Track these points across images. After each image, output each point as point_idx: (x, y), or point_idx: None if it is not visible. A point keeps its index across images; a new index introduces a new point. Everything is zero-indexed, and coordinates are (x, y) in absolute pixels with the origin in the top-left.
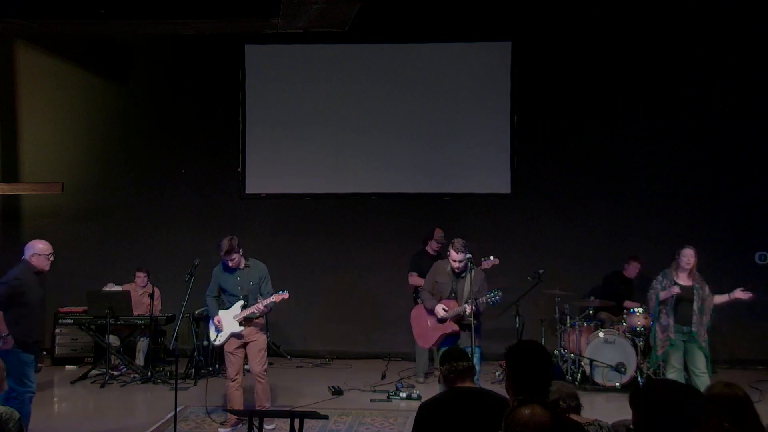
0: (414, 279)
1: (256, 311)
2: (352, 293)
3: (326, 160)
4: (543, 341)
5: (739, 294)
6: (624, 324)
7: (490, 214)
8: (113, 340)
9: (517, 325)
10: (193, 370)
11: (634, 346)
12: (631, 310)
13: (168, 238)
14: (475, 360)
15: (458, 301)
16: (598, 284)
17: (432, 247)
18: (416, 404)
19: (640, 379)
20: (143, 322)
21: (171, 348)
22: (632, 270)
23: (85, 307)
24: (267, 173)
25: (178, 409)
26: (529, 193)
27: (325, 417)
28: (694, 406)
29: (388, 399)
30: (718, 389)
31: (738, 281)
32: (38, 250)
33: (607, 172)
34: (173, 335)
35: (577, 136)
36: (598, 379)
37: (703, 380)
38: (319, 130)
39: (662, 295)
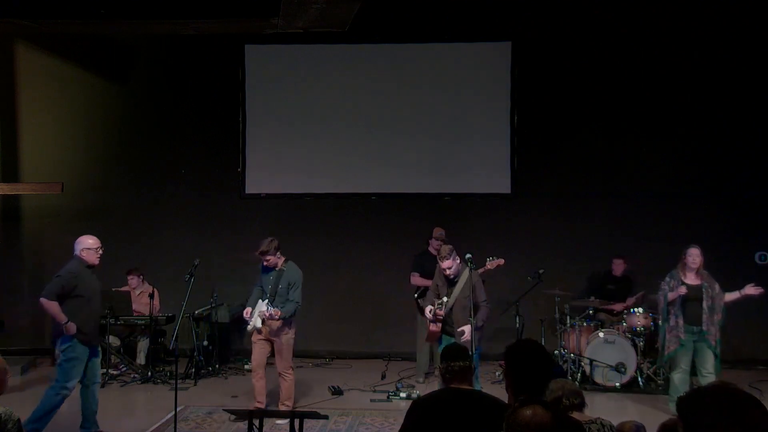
0: (416, 279)
1: (265, 317)
2: (352, 293)
3: (326, 160)
4: (543, 341)
5: (750, 290)
6: (624, 324)
7: (490, 214)
8: (113, 340)
9: (517, 325)
10: (193, 370)
11: (634, 346)
12: (631, 309)
13: (168, 238)
14: (474, 359)
15: (451, 309)
16: (587, 285)
17: (433, 246)
18: None
19: (640, 379)
20: (143, 322)
21: (171, 348)
22: (617, 268)
23: None
24: (267, 173)
25: (178, 409)
26: (529, 193)
27: (325, 417)
28: (750, 414)
29: (388, 399)
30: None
31: (738, 281)
32: (87, 245)
33: (607, 172)
34: (173, 335)
35: (577, 136)
36: (598, 379)
37: (709, 381)
38: (319, 130)
39: (670, 295)
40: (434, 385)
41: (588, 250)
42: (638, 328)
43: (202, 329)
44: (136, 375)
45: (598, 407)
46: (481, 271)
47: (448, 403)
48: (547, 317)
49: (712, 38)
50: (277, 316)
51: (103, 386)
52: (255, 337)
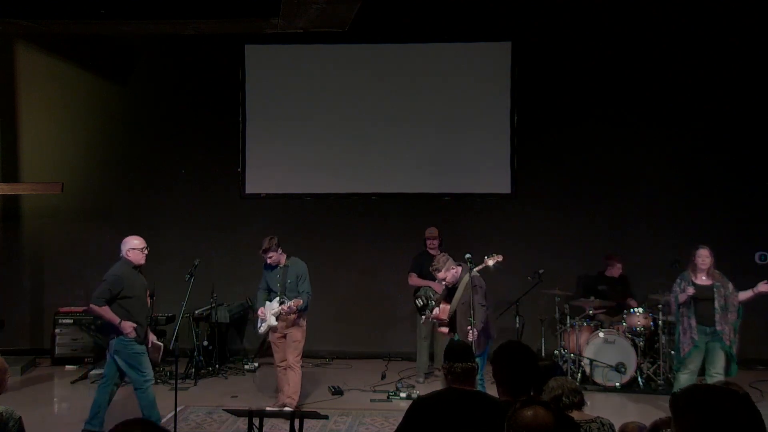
0: (414, 279)
1: (281, 312)
2: (351, 293)
3: (326, 160)
4: (543, 341)
5: (763, 287)
6: (624, 324)
7: (490, 214)
8: None
9: (517, 325)
10: (193, 370)
11: (634, 346)
12: (631, 309)
13: (168, 238)
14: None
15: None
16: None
17: (429, 246)
18: None
19: (640, 379)
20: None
21: (171, 348)
22: (610, 269)
23: (85, 307)
24: (267, 173)
25: (178, 409)
26: (529, 193)
27: (325, 417)
28: (741, 414)
29: (388, 399)
30: None
31: (738, 281)
32: (133, 245)
33: (608, 172)
34: (173, 335)
35: (577, 136)
36: (598, 379)
37: (717, 381)
38: (319, 130)
39: (680, 297)
40: (434, 385)
41: (588, 250)
42: (638, 328)
43: (202, 329)
44: None
45: (598, 407)
46: (478, 268)
47: (450, 403)
48: (547, 317)
49: (713, 38)
50: (296, 307)
51: None
52: (273, 338)
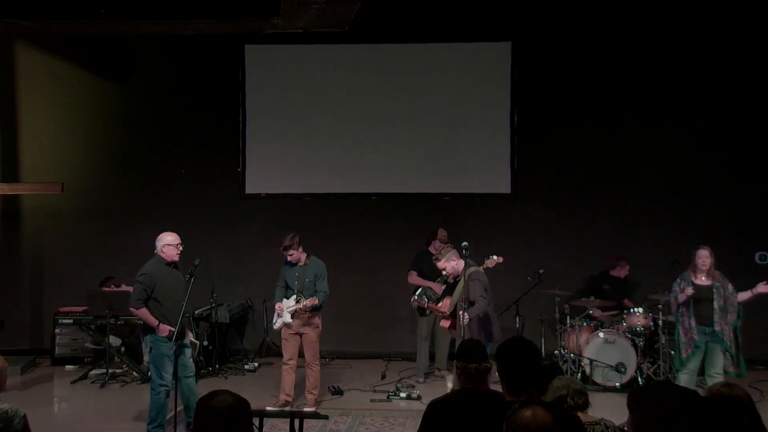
0: (413, 278)
1: (298, 310)
2: (351, 293)
3: (326, 160)
4: (543, 341)
5: (762, 288)
6: (624, 324)
7: (490, 214)
8: (114, 340)
9: (517, 325)
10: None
11: (634, 346)
12: (631, 309)
13: None
14: None
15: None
16: (584, 285)
17: (435, 247)
18: (416, 404)
19: (640, 379)
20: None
21: (171, 348)
22: (618, 269)
23: (85, 307)
24: (267, 173)
25: (178, 409)
26: (529, 193)
27: (325, 417)
28: (691, 411)
29: (388, 399)
30: (717, 389)
31: (738, 281)
32: (167, 241)
33: (608, 171)
34: (173, 335)
35: (577, 136)
36: (598, 379)
37: (717, 382)
38: (319, 130)
39: (680, 297)
40: (434, 385)
41: (588, 250)
42: (638, 328)
43: (203, 329)
44: (136, 375)
45: (598, 407)
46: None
47: (464, 404)
48: (547, 317)
49: (713, 38)
50: (311, 305)
51: (102, 386)
52: (285, 333)
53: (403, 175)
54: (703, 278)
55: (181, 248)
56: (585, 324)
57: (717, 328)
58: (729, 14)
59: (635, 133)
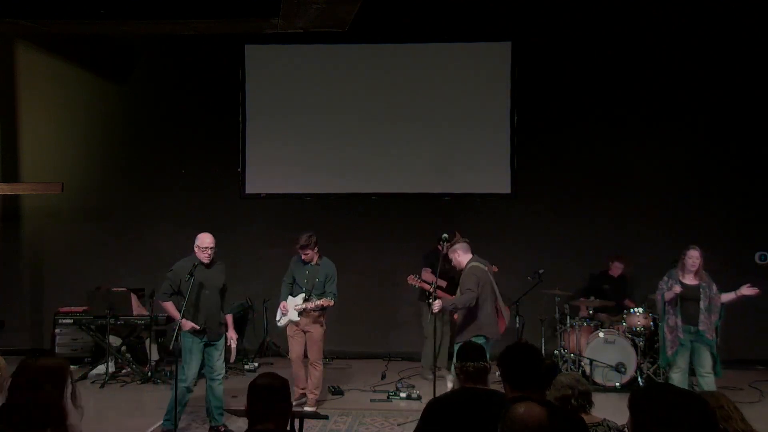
0: (426, 273)
1: (307, 308)
2: (351, 293)
3: (326, 160)
4: (543, 341)
5: (746, 290)
6: (624, 324)
7: (490, 214)
8: (114, 339)
9: (517, 325)
10: None
11: (634, 346)
12: (631, 309)
13: (168, 238)
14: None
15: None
16: (584, 285)
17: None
18: (416, 404)
19: (640, 379)
20: (143, 322)
21: (171, 348)
22: (615, 269)
23: (85, 307)
24: (267, 173)
25: (178, 409)
26: (529, 193)
27: (325, 417)
28: (691, 412)
29: (388, 399)
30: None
31: (738, 281)
32: (198, 242)
33: (607, 171)
34: (173, 335)
35: (577, 136)
36: (598, 379)
37: (708, 381)
38: (319, 130)
39: (667, 295)
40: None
41: (588, 250)
42: (638, 328)
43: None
44: (136, 374)
45: (598, 407)
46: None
47: (463, 403)
48: (547, 317)
49: (712, 39)
50: (326, 305)
51: (102, 386)
52: (291, 330)
53: (403, 175)
54: (690, 278)
55: (209, 251)
56: (585, 324)
57: (701, 327)
58: (729, 14)
59: (635, 132)
